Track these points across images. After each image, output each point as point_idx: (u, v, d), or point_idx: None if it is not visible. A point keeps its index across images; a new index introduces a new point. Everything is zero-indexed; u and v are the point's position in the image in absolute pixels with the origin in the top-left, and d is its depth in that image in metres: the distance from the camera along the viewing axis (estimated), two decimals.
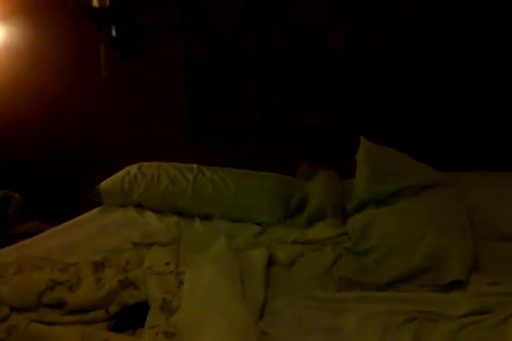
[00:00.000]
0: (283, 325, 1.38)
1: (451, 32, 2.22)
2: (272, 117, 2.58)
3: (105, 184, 2.48)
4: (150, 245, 1.90)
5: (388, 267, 1.60)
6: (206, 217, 2.29)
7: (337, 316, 1.41)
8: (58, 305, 1.49)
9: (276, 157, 2.61)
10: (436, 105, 2.31)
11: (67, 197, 3.00)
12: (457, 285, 1.51)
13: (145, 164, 2.57)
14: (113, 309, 1.46)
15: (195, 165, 2.50)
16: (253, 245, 1.87)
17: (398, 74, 2.34)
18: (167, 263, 1.70)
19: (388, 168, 1.99)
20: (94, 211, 2.42)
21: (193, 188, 2.32)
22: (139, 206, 2.40)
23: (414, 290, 1.52)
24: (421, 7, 2.24)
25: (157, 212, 2.34)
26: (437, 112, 2.32)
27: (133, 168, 2.53)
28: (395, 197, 1.90)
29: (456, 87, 2.27)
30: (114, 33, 2.71)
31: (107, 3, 2.62)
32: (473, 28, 2.20)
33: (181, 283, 1.55)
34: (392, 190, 1.90)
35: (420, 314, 1.37)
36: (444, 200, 1.87)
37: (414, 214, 1.78)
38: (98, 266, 1.73)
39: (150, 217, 2.30)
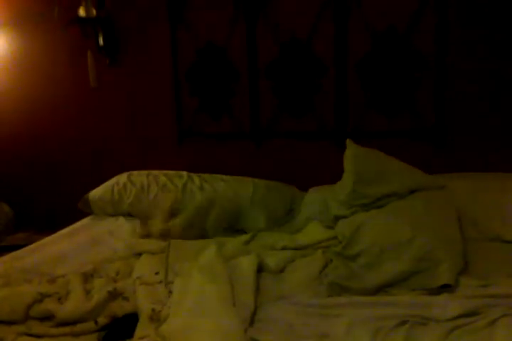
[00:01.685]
0: (274, 331, 1.37)
1: (438, 36, 2.23)
2: (261, 123, 2.58)
3: (95, 193, 2.47)
4: (139, 254, 1.90)
5: (378, 271, 1.60)
6: None
7: (327, 321, 1.41)
8: (47, 318, 1.48)
9: (266, 162, 2.61)
10: (424, 108, 2.32)
11: (57, 207, 2.98)
12: (446, 288, 1.51)
13: (134, 172, 2.56)
14: (102, 320, 1.45)
15: (184, 173, 2.50)
16: (243, 252, 1.86)
17: (385, 78, 2.34)
18: (156, 273, 1.69)
19: (375, 170, 1.98)
20: (84, 221, 2.42)
21: (183, 196, 2.31)
22: (129, 215, 2.39)
23: (403, 293, 1.52)
24: (406, 12, 2.25)
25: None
26: (425, 115, 2.32)
27: (122, 177, 2.52)
28: (381, 201, 1.89)
29: (442, 89, 2.28)
30: (101, 41, 2.71)
31: (94, 12, 2.63)
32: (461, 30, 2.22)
33: (171, 292, 1.54)
34: (378, 193, 1.89)
35: (410, 318, 1.37)
36: (433, 203, 1.88)
37: (402, 218, 1.78)
38: (87, 277, 1.72)
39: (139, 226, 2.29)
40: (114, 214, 2.42)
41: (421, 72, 2.27)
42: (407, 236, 1.66)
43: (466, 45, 2.22)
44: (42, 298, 1.53)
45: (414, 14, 2.24)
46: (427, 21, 2.23)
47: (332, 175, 2.23)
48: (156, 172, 2.54)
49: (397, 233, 1.69)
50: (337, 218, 1.96)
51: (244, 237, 2.05)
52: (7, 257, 2.01)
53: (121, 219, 2.36)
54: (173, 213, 2.24)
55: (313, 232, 2.00)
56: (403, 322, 1.35)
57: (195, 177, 2.45)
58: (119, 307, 1.49)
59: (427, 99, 2.30)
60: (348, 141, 2.06)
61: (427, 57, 2.25)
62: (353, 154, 2.01)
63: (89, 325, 1.44)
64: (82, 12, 2.62)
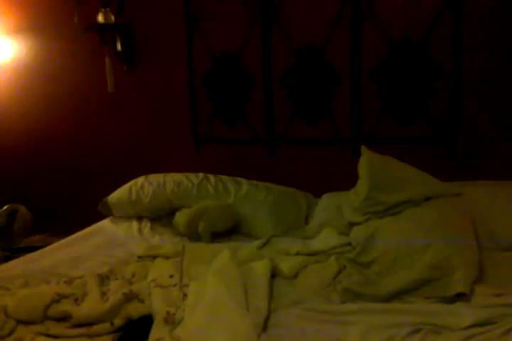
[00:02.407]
0: (286, 337, 1.38)
1: (454, 46, 2.23)
2: (276, 129, 2.60)
3: (113, 196, 2.52)
4: (154, 258, 1.92)
5: (392, 279, 1.60)
6: None
7: (341, 328, 1.40)
8: (64, 318, 1.50)
9: (280, 168, 2.62)
10: (438, 116, 2.32)
11: (74, 209, 3.02)
12: (461, 296, 1.51)
13: (151, 175, 2.61)
14: (118, 322, 1.47)
15: (201, 174, 2.55)
16: (257, 257, 1.87)
17: (400, 86, 2.35)
18: (171, 276, 1.71)
19: (390, 178, 1.98)
20: (100, 224, 2.45)
21: (198, 190, 2.37)
22: (148, 216, 2.43)
23: (417, 301, 1.52)
24: (422, 22, 2.26)
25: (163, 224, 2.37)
26: (439, 123, 2.32)
27: (140, 179, 2.57)
28: (396, 208, 1.89)
29: (458, 98, 2.28)
30: (119, 47, 2.76)
31: (112, 18, 2.67)
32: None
33: (185, 295, 1.56)
34: (393, 200, 1.89)
35: (424, 326, 1.36)
36: (449, 210, 1.86)
37: (417, 225, 1.78)
38: (103, 279, 1.75)
39: (154, 229, 2.32)
40: (133, 216, 2.45)
41: (435, 81, 2.27)
42: (421, 243, 1.65)
43: (482, 56, 2.21)
44: (59, 298, 1.55)
45: (429, 23, 2.24)
46: (442, 31, 2.23)
47: (346, 181, 2.24)
48: (172, 173, 2.59)
49: (412, 240, 1.69)
50: (351, 224, 1.96)
51: (257, 242, 2.06)
52: (25, 258, 2.04)
53: (137, 222, 2.40)
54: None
55: (327, 238, 2.01)
56: (417, 330, 1.34)
57: (212, 177, 2.50)
58: (135, 309, 1.51)
59: (442, 108, 2.30)
60: (363, 148, 2.07)
61: (442, 67, 2.25)
62: (367, 161, 2.01)
63: (105, 326, 1.46)
64: (100, 18, 2.67)
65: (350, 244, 1.93)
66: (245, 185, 2.43)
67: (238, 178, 2.51)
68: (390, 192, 1.91)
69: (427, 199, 1.91)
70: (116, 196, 2.50)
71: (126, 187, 2.53)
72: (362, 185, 1.98)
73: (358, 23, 2.34)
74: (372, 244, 1.76)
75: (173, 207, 2.39)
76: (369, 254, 1.73)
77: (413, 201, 1.88)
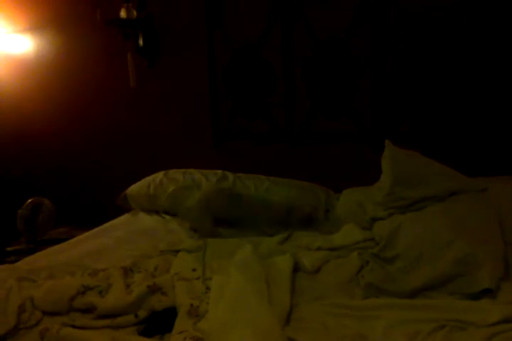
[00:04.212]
0: (309, 331, 1.38)
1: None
2: (297, 124, 2.59)
3: (132, 189, 2.54)
4: (177, 252, 1.93)
5: (416, 274, 1.57)
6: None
7: (363, 323, 1.40)
8: (89, 310, 1.52)
9: (302, 163, 2.61)
10: (462, 110, 2.29)
11: (97, 203, 3.06)
12: (487, 292, 1.49)
13: (171, 170, 2.61)
14: (142, 314, 1.49)
15: (220, 171, 2.54)
16: (278, 252, 1.87)
17: (422, 80, 2.32)
18: (194, 270, 1.72)
19: (414, 173, 1.95)
20: (123, 217, 2.48)
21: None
22: (166, 212, 2.44)
23: (442, 297, 1.50)
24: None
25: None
26: (464, 117, 2.29)
27: (159, 174, 2.58)
28: (419, 203, 1.86)
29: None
30: (141, 42, 2.77)
31: (134, 14, 2.69)
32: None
33: (208, 288, 1.57)
34: (416, 196, 1.86)
35: (449, 322, 1.35)
36: (474, 206, 1.83)
37: (442, 220, 1.75)
38: (127, 271, 1.76)
39: (176, 223, 2.32)
40: (151, 210, 2.47)
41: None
42: (446, 238, 1.63)
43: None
44: (84, 289, 1.58)
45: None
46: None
47: (367, 176, 2.23)
48: (192, 170, 2.59)
49: (436, 236, 1.66)
50: (374, 220, 1.94)
51: (279, 237, 2.06)
52: (50, 250, 2.08)
53: (159, 217, 2.41)
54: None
55: (349, 233, 1.99)
56: (442, 327, 1.33)
57: (230, 175, 2.48)
58: (158, 302, 1.53)
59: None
60: (387, 142, 2.04)
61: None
62: (391, 155, 1.99)
63: (129, 318, 1.47)
64: (123, 14, 2.68)
65: (372, 239, 1.92)
66: (264, 181, 2.42)
67: (258, 175, 2.50)
68: (413, 188, 1.88)
69: (452, 194, 1.88)
70: (134, 190, 2.52)
71: (145, 181, 2.54)
72: (385, 180, 1.95)
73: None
74: (396, 239, 1.74)
75: None
76: (393, 250, 1.71)
77: (437, 197, 1.86)
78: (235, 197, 2.26)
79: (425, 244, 1.65)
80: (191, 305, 1.46)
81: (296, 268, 1.74)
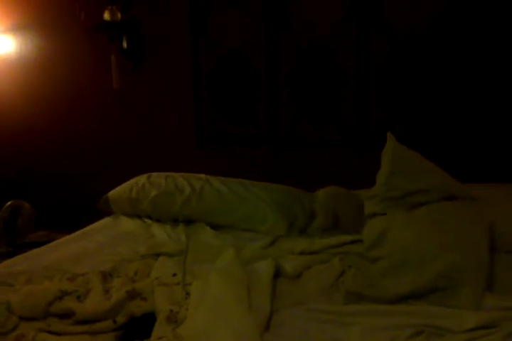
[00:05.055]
0: (288, 337, 1.38)
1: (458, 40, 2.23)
2: (280, 130, 2.60)
3: (114, 193, 2.51)
4: (157, 256, 1.92)
5: (397, 282, 1.56)
6: (215, 227, 2.30)
7: (343, 329, 1.40)
8: (66, 315, 1.51)
9: (285, 168, 2.62)
10: (446, 116, 2.32)
11: (78, 206, 3.03)
12: None
13: (154, 174, 2.59)
14: (120, 319, 1.47)
15: (203, 175, 2.53)
16: (261, 256, 1.87)
17: (406, 86, 2.35)
18: (174, 274, 1.71)
19: (411, 166, 1.91)
20: (104, 221, 2.45)
21: (199, 197, 2.34)
22: (148, 217, 2.43)
23: (420, 304, 1.51)
24: (426, 18, 2.25)
25: (165, 222, 2.37)
26: (447, 123, 2.32)
27: (142, 178, 2.56)
28: (413, 196, 1.82)
29: (466, 97, 2.27)
30: (125, 45, 2.76)
31: (119, 16, 2.68)
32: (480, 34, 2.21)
33: (188, 294, 1.56)
34: (411, 188, 1.82)
35: (427, 328, 1.36)
36: (465, 212, 1.80)
37: (432, 228, 1.72)
38: (106, 276, 1.75)
39: (158, 227, 2.31)
40: (133, 215, 2.45)
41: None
42: (433, 249, 1.61)
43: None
44: (62, 294, 1.56)
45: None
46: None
47: (351, 183, 2.24)
48: (174, 174, 2.57)
49: (423, 245, 1.64)
50: (368, 217, 1.89)
51: (262, 242, 2.06)
52: (29, 254, 2.05)
53: (140, 221, 2.40)
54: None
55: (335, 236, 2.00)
56: (419, 333, 1.34)
57: (213, 179, 2.48)
58: (137, 307, 1.51)
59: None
60: (389, 134, 1.99)
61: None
62: (392, 148, 1.94)
63: (108, 323, 1.46)
64: (107, 16, 2.67)
65: (358, 240, 1.93)
66: (249, 185, 2.42)
67: (241, 179, 2.49)
68: (409, 180, 1.84)
69: (446, 198, 1.83)
70: (116, 194, 2.50)
71: (127, 185, 2.52)
72: (383, 171, 1.91)
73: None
74: (384, 241, 1.71)
75: (173, 214, 2.36)
76: (379, 250, 1.69)
77: (430, 194, 1.81)
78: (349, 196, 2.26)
79: (410, 251, 1.63)
80: (171, 310, 1.45)
81: (278, 273, 1.74)
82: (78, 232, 2.30)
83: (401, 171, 1.89)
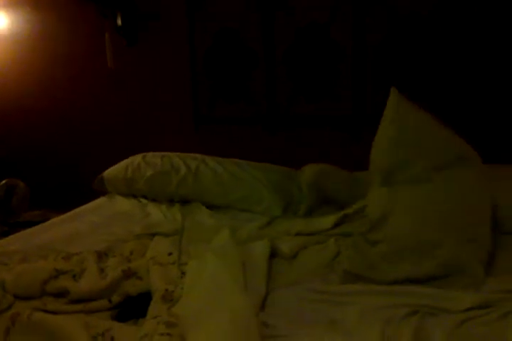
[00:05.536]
0: (284, 316, 1.38)
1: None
2: (278, 108, 2.57)
3: (109, 172, 2.50)
4: (153, 235, 1.91)
5: (397, 268, 1.54)
6: (211, 207, 2.29)
7: (338, 308, 1.40)
8: (62, 294, 1.50)
9: (281, 148, 2.60)
10: (445, 92, 2.29)
11: (73, 185, 3.01)
12: None
13: (149, 154, 2.57)
14: (116, 299, 1.47)
15: (198, 155, 2.51)
16: (257, 237, 1.86)
17: (404, 63, 2.31)
18: (170, 254, 1.71)
19: (417, 134, 1.75)
20: (99, 200, 2.44)
21: (194, 177, 2.32)
22: (143, 196, 2.41)
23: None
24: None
25: (161, 202, 2.35)
26: (446, 100, 2.29)
27: (137, 157, 2.54)
28: (416, 166, 1.71)
29: (463, 77, 2.24)
30: (119, 22, 2.70)
31: None
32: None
33: (183, 273, 1.56)
34: (414, 168, 1.71)
35: (422, 308, 1.36)
36: (468, 191, 1.70)
37: (434, 213, 1.64)
38: (102, 256, 1.74)
39: (154, 207, 2.31)
40: (128, 194, 2.44)
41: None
42: (434, 239, 1.57)
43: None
44: (57, 274, 1.55)
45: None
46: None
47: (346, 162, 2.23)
48: (170, 154, 2.55)
49: (424, 233, 1.60)
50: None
51: (259, 222, 2.05)
52: (23, 233, 2.04)
53: (136, 200, 2.39)
54: None
55: (327, 217, 1.99)
56: (415, 312, 1.34)
57: (209, 159, 2.46)
58: (133, 286, 1.51)
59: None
60: (393, 89, 1.83)
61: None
62: (395, 107, 1.79)
63: (103, 302, 1.45)
64: None
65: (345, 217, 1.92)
66: (245, 166, 2.40)
67: (236, 159, 2.47)
68: (411, 154, 1.71)
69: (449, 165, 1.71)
70: (112, 173, 2.48)
71: (122, 164, 2.50)
72: (381, 137, 1.77)
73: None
74: (385, 223, 1.66)
75: (169, 194, 2.34)
76: (379, 233, 1.65)
77: (436, 159, 1.71)
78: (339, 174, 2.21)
79: (410, 238, 1.61)
80: (166, 289, 1.45)
81: (274, 254, 1.74)
82: (73, 212, 2.29)
83: (405, 141, 1.73)
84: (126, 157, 2.58)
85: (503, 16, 2.15)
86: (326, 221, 1.97)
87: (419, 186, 1.72)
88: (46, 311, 1.41)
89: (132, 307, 1.45)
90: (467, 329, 1.27)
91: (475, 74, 2.23)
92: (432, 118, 1.80)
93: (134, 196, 2.44)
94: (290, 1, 2.41)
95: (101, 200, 2.44)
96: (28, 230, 2.08)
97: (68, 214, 2.27)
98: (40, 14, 2.92)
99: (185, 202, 2.34)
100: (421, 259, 1.54)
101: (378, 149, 1.80)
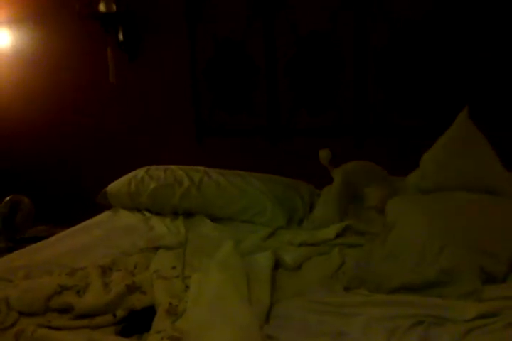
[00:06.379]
0: (289, 328, 1.37)
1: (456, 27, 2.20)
2: (279, 120, 2.58)
3: (112, 186, 2.50)
4: (157, 249, 1.91)
5: (398, 273, 1.54)
6: (214, 219, 2.29)
7: (343, 320, 1.40)
8: (66, 310, 1.50)
9: (283, 159, 2.61)
10: (445, 102, 2.29)
11: (77, 200, 3.02)
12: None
13: (152, 167, 2.58)
14: (120, 313, 1.46)
15: (201, 168, 2.51)
16: (260, 248, 1.86)
17: (405, 73, 2.32)
18: (173, 267, 1.71)
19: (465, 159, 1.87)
20: (103, 215, 2.44)
21: (198, 189, 2.33)
22: (147, 210, 2.42)
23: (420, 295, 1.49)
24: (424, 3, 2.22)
25: (165, 215, 2.36)
26: (446, 109, 2.29)
27: (140, 171, 2.55)
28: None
29: (464, 85, 2.24)
30: (121, 37, 2.73)
31: (114, 7, 2.65)
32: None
33: (187, 287, 1.55)
34: (444, 181, 1.82)
35: (427, 318, 1.35)
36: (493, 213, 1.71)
37: (440, 224, 1.65)
38: (106, 270, 1.74)
39: (157, 220, 2.31)
40: (132, 208, 2.44)
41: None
42: (438, 245, 1.55)
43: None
44: (61, 289, 1.55)
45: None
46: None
47: None
48: (173, 167, 2.56)
49: (429, 242, 1.58)
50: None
51: (262, 234, 2.05)
52: (28, 249, 2.04)
53: (139, 214, 2.39)
54: None
55: (331, 228, 1.99)
56: (420, 323, 1.33)
57: (212, 171, 2.46)
58: (137, 301, 1.51)
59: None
60: (464, 111, 1.96)
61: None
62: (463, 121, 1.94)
63: (108, 317, 1.45)
64: (102, 7, 2.64)
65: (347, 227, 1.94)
66: (248, 177, 2.40)
67: (240, 171, 2.47)
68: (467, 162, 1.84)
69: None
70: (115, 187, 2.48)
71: (125, 179, 2.50)
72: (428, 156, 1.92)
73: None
74: (394, 225, 1.70)
75: (173, 206, 2.35)
76: (386, 234, 1.68)
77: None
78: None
79: (414, 246, 1.60)
80: (170, 303, 1.44)
81: (278, 265, 1.74)
82: (77, 227, 2.30)
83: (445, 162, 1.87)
84: (130, 170, 2.59)
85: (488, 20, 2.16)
86: (329, 231, 1.97)
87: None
88: (50, 327, 1.41)
89: (137, 322, 1.44)
90: (473, 338, 1.26)
91: (471, 78, 2.24)
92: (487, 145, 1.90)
93: (138, 209, 2.44)
94: (290, 10, 2.43)
95: (105, 214, 2.44)
96: (33, 246, 2.09)
97: (73, 228, 2.28)
98: (43, 30, 2.97)
99: (188, 214, 2.34)
100: (424, 264, 1.54)
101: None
